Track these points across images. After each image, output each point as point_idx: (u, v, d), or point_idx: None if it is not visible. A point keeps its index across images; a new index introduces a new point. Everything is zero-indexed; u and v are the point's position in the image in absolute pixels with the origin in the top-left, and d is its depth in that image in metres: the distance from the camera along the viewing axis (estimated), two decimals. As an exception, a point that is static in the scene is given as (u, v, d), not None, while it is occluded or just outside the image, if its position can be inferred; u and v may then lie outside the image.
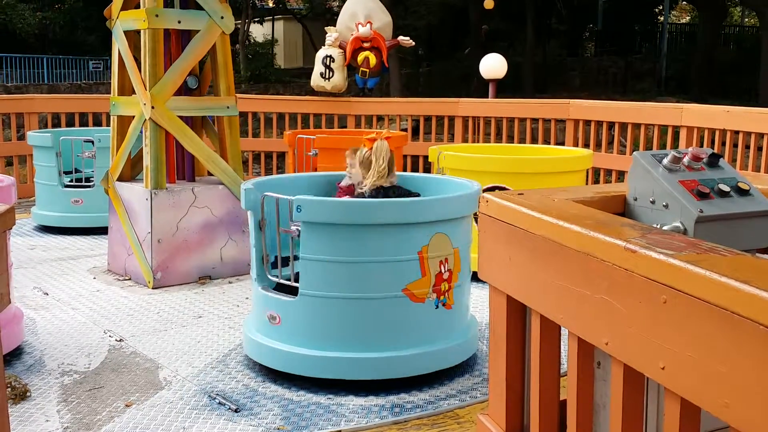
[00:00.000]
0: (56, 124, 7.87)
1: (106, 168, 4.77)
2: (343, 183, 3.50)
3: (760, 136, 5.42)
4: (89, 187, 5.75)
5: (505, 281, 1.76)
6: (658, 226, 1.76)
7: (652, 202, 1.82)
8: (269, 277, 3.03)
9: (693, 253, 1.23)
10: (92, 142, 5.71)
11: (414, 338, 2.90)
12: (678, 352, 1.19)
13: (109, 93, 4.75)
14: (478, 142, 7.27)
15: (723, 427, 1.18)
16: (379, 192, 3.19)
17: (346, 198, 3.26)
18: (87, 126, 7.47)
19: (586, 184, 5.77)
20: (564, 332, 1.65)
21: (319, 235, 2.81)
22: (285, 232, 2.93)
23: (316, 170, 5.22)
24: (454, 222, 2.96)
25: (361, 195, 3.23)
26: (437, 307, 2.94)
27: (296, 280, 2.93)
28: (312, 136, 5.53)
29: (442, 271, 2.91)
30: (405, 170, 7.05)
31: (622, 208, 1.90)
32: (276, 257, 3.03)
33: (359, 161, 3.25)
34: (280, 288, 3.01)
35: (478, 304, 3.76)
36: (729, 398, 1.09)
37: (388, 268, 2.82)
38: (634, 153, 1.89)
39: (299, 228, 2.85)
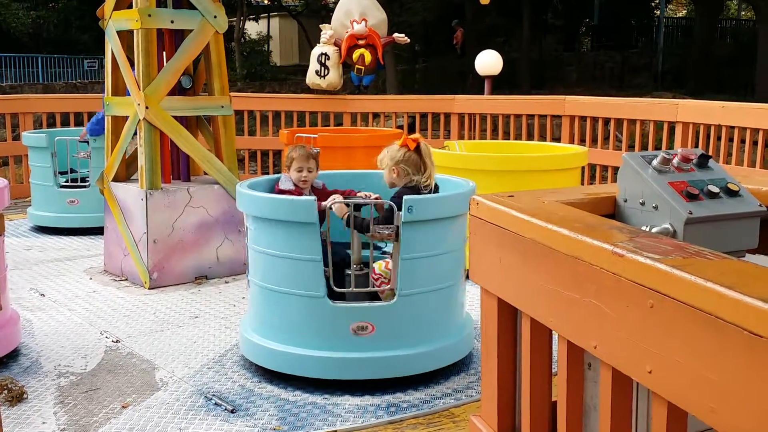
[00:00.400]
0: (51, 123, 7.85)
1: (101, 168, 4.77)
2: (285, 186, 3.30)
3: (756, 131, 5.43)
4: (85, 187, 5.75)
5: (495, 284, 1.77)
6: (648, 228, 1.77)
7: (642, 204, 1.83)
8: (336, 289, 2.89)
9: (679, 258, 1.23)
10: (87, 142, 5.71)
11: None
12: (665, 356, 1.20)
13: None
14: (474, 138, 7.27)
15: (709, 428, 1.19)
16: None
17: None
18: (82, 126, 7.46)
19: (582, 180, 5.78)
20: (555, 334, 1.66)
21: (423, 233, 2.87)
22: (381, 238, 2.88)
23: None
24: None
25: (417, 191, 3.09)
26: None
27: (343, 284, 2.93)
28: (313, 135, 5.46)
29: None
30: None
31: (613, 209, 1.91)
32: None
33: (399, 160, 3.12)
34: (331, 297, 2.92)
35: (473, 302, 3.77)
36: (715, 403, 1.10)
37: (461, 256, 3.08)
38: (624, 154, 1.89)
39: (394, 229, 2.84)
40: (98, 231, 5.16)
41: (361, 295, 2.95)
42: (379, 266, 3.03)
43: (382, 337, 2.87)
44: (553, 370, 1.79)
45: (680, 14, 27.73)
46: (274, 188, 3.33)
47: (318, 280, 2.85)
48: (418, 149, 3.12)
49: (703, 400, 1.13)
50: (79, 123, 7.60)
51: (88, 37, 21.35)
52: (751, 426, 1.04)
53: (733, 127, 5.63)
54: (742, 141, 5.66)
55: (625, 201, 1.87)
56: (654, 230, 1.75)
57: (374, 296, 3.00)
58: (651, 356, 1.23)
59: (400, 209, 2.82)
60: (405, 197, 2.83)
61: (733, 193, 1.80)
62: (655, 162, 1.82)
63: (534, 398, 1.66)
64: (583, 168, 5.42)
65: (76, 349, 3.34)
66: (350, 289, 2.92)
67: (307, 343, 2.88)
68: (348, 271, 2.98)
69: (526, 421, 1.69)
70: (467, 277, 3.16)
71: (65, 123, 7.57)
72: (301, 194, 3.28)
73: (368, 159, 4.97)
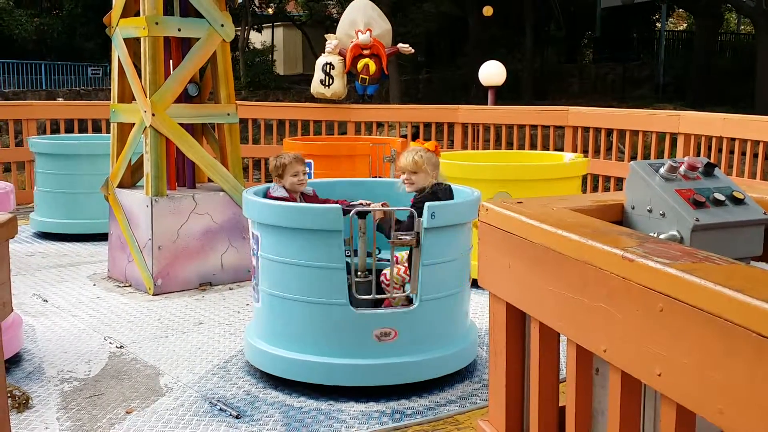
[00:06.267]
0: (55, 130, 7.89)
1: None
2: (278, 193, 3.30)
3: (756, 143, 5.46)
4: None
5: (504, 289, 1.79)
6: (655, 235, 1.79)
7: (650, 211, 1.84)
8: (358, 296, 2.92)
9: (688, 262, 1.25)
10: None
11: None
12: (674, 359, 1.21)
13: (108, 100, 4.78)
14: (477, 148, 7.30)
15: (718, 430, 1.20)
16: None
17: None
18: (86, 132, 7.50)
19: (584, 190, 5.81)
20: (563, 339, 1.67)
21: (445, 238, 2.93)
22: (402, 244, 2.91)
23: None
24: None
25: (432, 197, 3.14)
26: None
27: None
28: (381, 144, 5.37)
29: None
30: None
31: (620, 216, 1.93)
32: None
33: (436, 165, 3.20)
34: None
35: (478, 310, 3.78)
36: (723, 404, 1.11)
37: (467, 262, 3.15)
38: (631, 163, 1.91)
39: (413, 236, 2.86)
40: (99, 237, 5.17)
41: (367, 302, 2.96)
42: (390, 272, 3.05)
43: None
44: (561, 377, 1.80)
45: (681, 27, 27.88)
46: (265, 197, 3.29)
47: (341, 288, 2.84)
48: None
49: (712, 401, 1.14)
50: (83, 130, 7.63)
51: (92, 44, 21.43)
52: (758, 426, 1.05)
53: (733, 139, 5.65)
54: (743, 153, 5.69)
55: (633, 208, 1.89)
56: (661, 237, 1.76)
57: (377, 303, 3.00)
58: (660, 359, 1.24)
59: (420, 215, 2.86)
60: (428, 203, 2.87)
61: (738, 201, 1.82)
62: (662, 170, 1.84)
63: (542, 403, 1.67)
64: (585, 178, 5.43)
65: (80, 355, 3.34)
66: (372, 295, 2.91)
67: (312, 350, 2.88)
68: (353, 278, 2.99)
69: (534, 425, 1.70)
70: (472, 284, 3.18)
71: (69, 130, 7.59)
72: (295, 200, 3.30)
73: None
